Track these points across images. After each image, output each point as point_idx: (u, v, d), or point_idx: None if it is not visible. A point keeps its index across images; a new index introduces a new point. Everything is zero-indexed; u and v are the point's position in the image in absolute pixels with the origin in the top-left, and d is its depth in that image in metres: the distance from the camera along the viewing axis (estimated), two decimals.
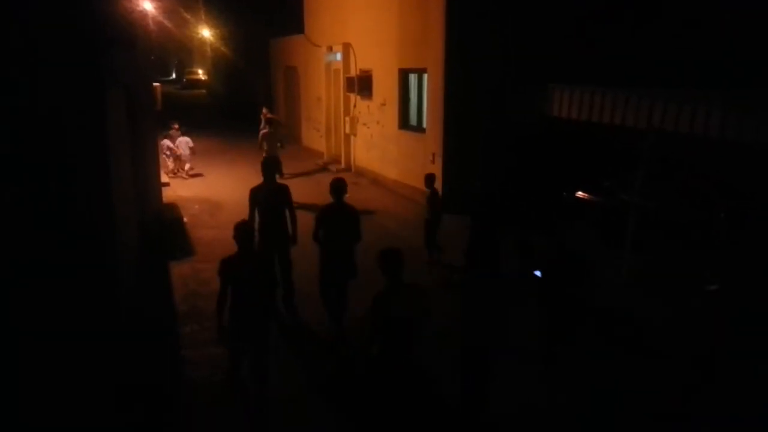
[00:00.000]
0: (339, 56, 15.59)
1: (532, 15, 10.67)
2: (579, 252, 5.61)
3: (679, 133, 7.39)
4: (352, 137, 15.60)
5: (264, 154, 12.83)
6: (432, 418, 4.72)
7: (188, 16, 28.09)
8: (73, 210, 5.11)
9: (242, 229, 4.80)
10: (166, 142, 14.49)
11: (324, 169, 16.07)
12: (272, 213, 6.92)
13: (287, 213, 7.03)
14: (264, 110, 16.14)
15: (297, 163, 15.62)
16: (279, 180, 7.76)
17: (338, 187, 6.34)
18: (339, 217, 6.31)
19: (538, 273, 5.83)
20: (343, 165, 16.05)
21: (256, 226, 6.46)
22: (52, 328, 5.05)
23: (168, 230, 10.06)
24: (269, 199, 6.89)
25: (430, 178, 8.63)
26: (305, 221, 7.28)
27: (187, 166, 14.73)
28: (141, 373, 5.76)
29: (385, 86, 13.62)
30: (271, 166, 7.22)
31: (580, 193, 9.64)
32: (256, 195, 6.91)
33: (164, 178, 13.49)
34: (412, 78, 12.88)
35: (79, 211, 5.14)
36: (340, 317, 6.45)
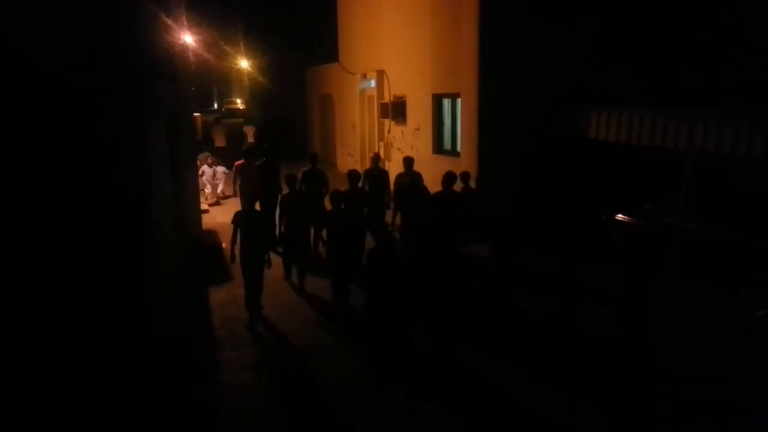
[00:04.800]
0: (373, 83, 15.78)
1: (563, 38, 10.63)
2: None
3: (721, 154, 7.20)
4: (386, 162, 15.67)
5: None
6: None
7: (227, 48, 28.92)
8: (114, 234, 5.22)
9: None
10: (203, 168, 14.98)
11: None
12: (266, 183, 10.33)
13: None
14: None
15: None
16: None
17: (313, 157, 10.45)
18: (315, 176, 9.96)
19: None
20: None
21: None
22: (91, 350, 5.13)
23: (207, 256, 10.23)
24: (264, 174, 10.49)
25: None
26: None
27: (219, 188, 15.36)
28: (176, 398, 5.81)
29: (419, 111, 13.69)
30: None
31: (619, 216, 9.43)
32: (259, 171, 10.53)
33: (203, 206, 13.79)
34: (446, 103, 12.92)
35: (120, 235, 5.25)
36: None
